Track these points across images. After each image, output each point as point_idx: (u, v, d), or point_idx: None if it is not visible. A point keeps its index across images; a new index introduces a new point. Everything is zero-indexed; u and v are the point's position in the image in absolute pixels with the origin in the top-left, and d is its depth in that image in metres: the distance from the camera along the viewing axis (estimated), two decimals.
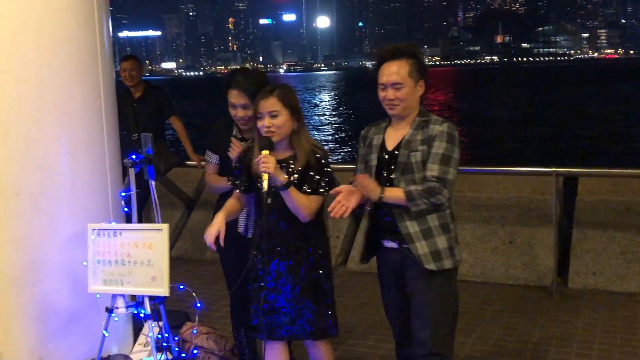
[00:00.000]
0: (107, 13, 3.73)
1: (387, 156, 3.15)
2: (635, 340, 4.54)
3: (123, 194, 3.14)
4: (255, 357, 4.03)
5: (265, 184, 3.11)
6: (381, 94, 3.12)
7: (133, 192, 3.14)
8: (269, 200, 3.21)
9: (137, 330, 3.94)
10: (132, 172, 3.10)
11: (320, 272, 3.36)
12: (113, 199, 3.67)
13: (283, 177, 3.16)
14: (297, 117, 3.29)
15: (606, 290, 5.51)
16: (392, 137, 3.18)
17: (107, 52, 3.68)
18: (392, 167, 3.11)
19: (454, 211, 3.20)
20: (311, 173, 3.26)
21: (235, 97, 3.55)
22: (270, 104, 3.23)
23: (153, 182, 3.15)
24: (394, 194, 3.01)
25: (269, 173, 3.11)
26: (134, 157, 3.09)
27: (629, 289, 5.46)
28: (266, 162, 3.10)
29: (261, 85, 3.53)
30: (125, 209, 3.16)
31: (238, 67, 3.73)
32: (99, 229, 3.12)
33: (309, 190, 3.23)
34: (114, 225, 3.13)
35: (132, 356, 3.71)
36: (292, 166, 3.27)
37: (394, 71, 3.08)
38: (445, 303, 3.12)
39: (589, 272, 5.64)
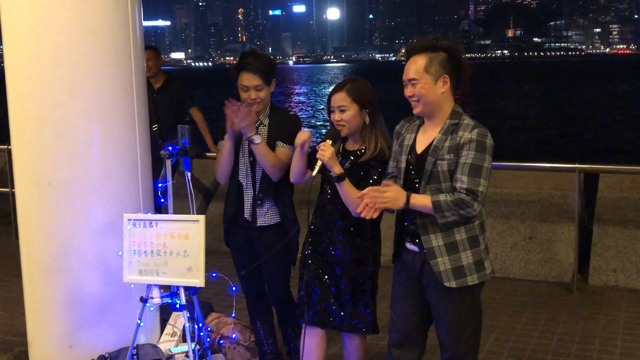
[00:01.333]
0: (140, 3, 3.74)
1: (415, 160, 3.02)
2: None
3: (160, 185, 3.15)
4: (274, 349, 4.06)
5: (316, 170, 3.19)
6: (404, 92, 3.00)
7: (169, 183, 3.16)
8: (329, 190, 3.31)
9: (163, 321, 3.97)
10: (168, 163, 3.12)
11: (368, 268, 3.41)
12: (144, 189, 3.69)
13: (338, 169, 3.19)
14: (370, 111, 3.31)
15: (627, 287, 5.51)
16: (422, 139, 3.03)
17: (139, 42, 3.69)
18: (419, 172, 2.98)
19: (484, 222, 3.05)
20: (372, 173, 3.29)
21: (247, 79, 3.55)
22: (339, 98, 3.29)
23: (189, 174, 3.16)
24: (421, 202, 2.87)
25: (323, 160, 3.16)
26: (170, 148, 3.11)
27: None
28: (323, 150, 3.16)
29: (272, 67, 3.61)
30: (162, 200, 3.18)
31: (246, 51, 3.75)
32: (134, 220, 3.14)
33: (363, 185, 3.23)
34: (150, 215, 3.15)
35: (159, 346, 3.74)
36: (354, 159, 3.31)
37: (410, 67, 2.94)
38: (466, 313, 3.01)
39: (609, 269, 5.64)
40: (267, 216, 3.67)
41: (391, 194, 2.87)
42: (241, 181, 3.66)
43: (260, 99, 3.56)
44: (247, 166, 3.64)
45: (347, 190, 3.21)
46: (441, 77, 2.91)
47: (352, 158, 3.33)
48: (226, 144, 3.59)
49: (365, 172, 3.29)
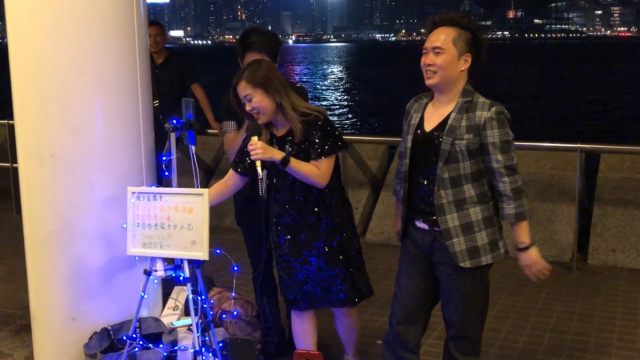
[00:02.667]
0: None
1: (423, 138, 2.99)
2: None
3: (164, 158, 3.15)
4: (279, 324, 4.09)
5: (259, 171, 3.13)
6: (422, 60, 2.95)
7: (174, 157, 3.16)
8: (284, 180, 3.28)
9: (165, 295, 3.99)
10: (173, 136, 3.11)
11: (344, 235, 3.39)
12: (147, 163, 3.69)
13: (278, 154, 3.14)
14: (275, 90, 3.21)
15: (626, 267, 5.54)
16: (432, 117, 3.00)
17: (142, 17, 3.67)
18: (432, 152, 2.94)
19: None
20: (313, 137, 3.23)
21: (255, 58, 3.53)
22: (242, 88, 3.21)
23: (193, 147, 3.16)
24: (521, 233, 2.96)
25: (261, 159, 3.12)
26: (174, 121, 3.10)
27: None
28: (255, 149, 3.10)
29: (277, 44, 3.64)
30: (166, 174, 3.18)
31: (249, 29, 3.75)
32: (139, 192, 3.14)
33: (316, 156, 3.22)
34: (154, 189, 3.15)
35: (161, 319, 3.76)
36: (291, 139, 3.26)
37: (439, 36, 2.90)
38: (475, 292, 3.04)
39: (608, 248, 5.67)
40: None
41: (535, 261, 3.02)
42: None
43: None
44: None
45: (298, 167, 3.18)
46: (464, 55, 2.91)
47: (290, 138, 3.28)
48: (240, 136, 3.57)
49: (310, 143, 3.24)
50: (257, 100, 3.19)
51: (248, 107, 3.23)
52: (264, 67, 3.24)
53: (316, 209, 3.33)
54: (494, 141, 2.88)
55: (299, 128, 3.21)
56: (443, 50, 2.89)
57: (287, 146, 3.26)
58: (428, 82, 2.95)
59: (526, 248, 2.98)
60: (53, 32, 3.42)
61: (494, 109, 2.90)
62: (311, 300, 3.44)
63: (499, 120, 2.89)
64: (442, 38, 2.90)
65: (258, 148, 3.10)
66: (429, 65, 2.91)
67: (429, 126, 2.99)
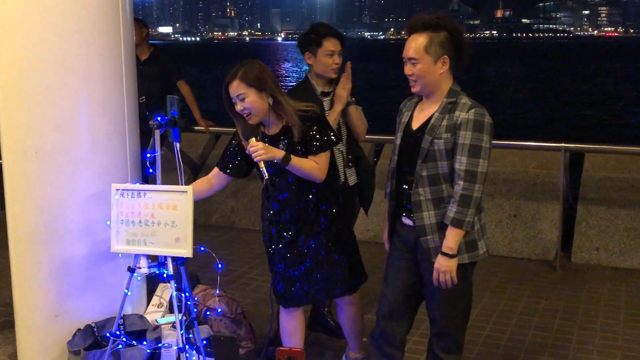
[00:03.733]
0: None
1: (409, 136, 3.04)
2: (638, 316, 4.61)
3: (148, 155, 3.15)
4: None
5: (265, 171, 3.13)
6: (404, 69, 2.99)
7: (158, 154, 3.16)
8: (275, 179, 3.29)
9: (149, 292, 3.99)
10: (157, 133, 3.11)
11: (341, 224, 3.44)
12: (131, 160, 3.69)
13: (279, 153, 3.15)
14: (269, 89, 3.21)
15: (609, 266, 5.59)
16: (419, 116, 3.04)
17: (128, 13, 3.66)
18: (416, 150, 2.96)
19: (481, 202, 2.99)
20: (311, 133, 3.26)
21: (335, 44, 3.87)
22: (235, 87, 3.19)
23: (178, 145, 3.16)
24: (451, 239, 2.89)
25: (263, 159, 3.11)
26: (159, 118, 3.10)
27: (632, 265, 5.54)
28: (256, 151, 3.10)
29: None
30: (150, 170, 3.18)
31: (319, 23, 4.07)
32: (122, 189, 3.14)
33: (315, 151, 3.25)
34: (138, 185, 3.15)
35: (146, 317, 3.76)
36: (288, 138, 3.27)
37: (411, 45, 2.90)
38: (456, 290, 3.00)
39: (592, 247, 5.71)
40: (354, 177, 4.05)
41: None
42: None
43: (337, 63, 3.87)
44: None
45: (299, 165, 3.20)
46: (441, 58, 2.90)
47: (283, 138, 3.29)
48: None
49: (309, 138, 3.26)
50: (250, 100, 3.19)
51: (239, 107, 3.21)
52: (257, 66, 3.24)
53: (315, 204, 3.36)
54: (464, 142, 2.85)
55: (299, 125, 3.23)
56: (417, 60, 2.90)
57: (280, 145, 3.27)
58: (412, 90, 3.01)
59: (448, 255, 2.92)
60: (38, 27, 3.40)
61: (473, 110, 2.88)
62: (309, 296, 3.45)
63: (475, 122, 2.86)
64: (413, 47, 2.90)
65: (260, 149, 3.10)
66: (409, 75, 2.95)
67: (415, 125, 3.03)
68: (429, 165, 2.93)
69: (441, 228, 2.94)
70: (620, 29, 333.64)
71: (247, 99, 3.18)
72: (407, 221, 3.08)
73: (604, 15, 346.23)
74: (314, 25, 4.01)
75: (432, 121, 2.94)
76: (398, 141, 3.08)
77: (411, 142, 3.00)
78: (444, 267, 2.92)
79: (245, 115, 3.22)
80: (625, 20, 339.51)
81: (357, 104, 3.98)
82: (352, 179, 4.07)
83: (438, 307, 3.08)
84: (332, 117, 3.83)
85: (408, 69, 2.94)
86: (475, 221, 2.97)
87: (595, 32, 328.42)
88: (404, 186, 3.05)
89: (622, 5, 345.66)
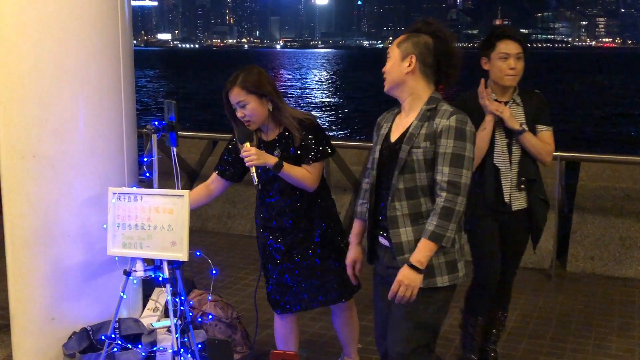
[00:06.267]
0: None
1: (387, 149, 2.83)
2: (632, 325, 4.63)
3: (145, 159, 3.17)
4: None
5: (255, 177, 3.14)
6: None
7: (155, 158, 3.17)
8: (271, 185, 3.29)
9: (145, 297, 4.00)
10: (154, 138, 3.13)
11: (334, 231, 3.45)
12: (129, 164, 3.70)
13: (272, 160, 3.17)
14: (269, 96, 3.22)
15: (604, 275, 5.60)
16: (398, 127, 2.84)
17: (127, 17, 3.68)
18: (395, 163, 2.76)
19: (462, 218, 2.74)
20: (307, 142, 3.27)
21: (510, 46, 3.50)
22: (235, 94, 3.20)
23: (175, 149, 3.18)
24: (424, 252, 2.64)
25: (255, 165, 3.13)
26: (156, 123, 3.12)
27: (627, 274, 5.56)
28: (249, 156, 3.11)
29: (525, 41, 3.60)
30: (147, 174, 3.19)
31: (499, 25, 3.78)
32: (119, 193, 3.15)
33: (309, 160, 3.26)
34: (134, 189, 3.16)
35: (141, 320, 3.76)
36: (284, 145, 3.28)
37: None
38: (425, 319, 2.77)
39: (587, 256, 5.73)
40: (521, 200, 3.61)
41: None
42: (497, 164, 3.54)
43: (519, 69, 3.50)
44: (504, 148, 3.55)
45: (290, 172, 3.20)
46: (408, 56, 2.73)
47: (279, 145, 3.30)
48: None
49: (305, 146, 3.26)
50: (251, 107, 3.20)
51: (240, 114, 3.22)
52: (255, 71, 3.24)
53: (308, 212, 3.37)
54: (445, 151, 2.65)
55: (298, 133, 3.24)
56: (388, 55, 2.81)
57: (275, 151, 3.28)
58: (384, 89, 2.85)
59: (415, 269, 2.66)
60: (37, 31, 3.42)
61: (454, 117, 2.68)
62: (304, 302, 3.46)
63: (457, 130, 2.66)
64: (390, 45, 2.82)
65: (252, 154, 3.11)
66: (383, 72, 2.83)
67: (394, 136, 2.83)
68: (406, 177, 2.71)
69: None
70: (618, 40, 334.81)
71: (248, 105, 3.20)
72: (383, 241, 2.86)
73: (602, 26, 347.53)
74: (494, 27, 3.75)
75: (410, 129, 2.74)
76: (376, 155, 2.86)
77: (390, 155, 2.80)
78: (408, 281, 2.65)
79: (245, 122, 3.25)
80: (624, 31, 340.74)
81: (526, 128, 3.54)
82: (518, 204, 3.60)
83: (401, 339, 2.77)
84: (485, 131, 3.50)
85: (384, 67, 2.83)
86: (456, 239, 2.73)
87: (594, 42, 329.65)
88: (382, 204, 2.83)
89: (619, 17, 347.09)
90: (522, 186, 3.58)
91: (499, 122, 3.53)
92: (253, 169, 3.14)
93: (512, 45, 3.49)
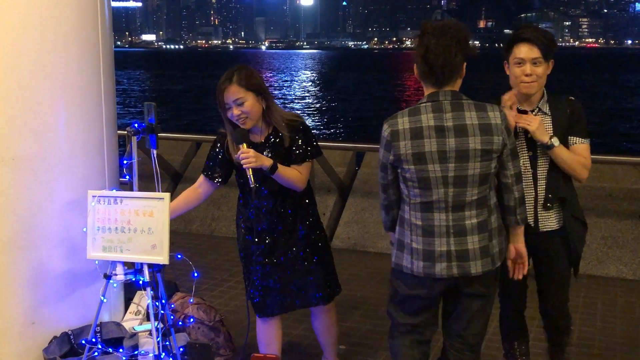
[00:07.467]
0: None
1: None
2: (615, 323, 4.66)
3: (125, 162, 3.15)
4: None
5: (252, 179, 3.13)
6: None
7: (134, 160, 3.15)
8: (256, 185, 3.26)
9: (128, 300, 3.97)
10: (134, 140, 3.11)
11: (317, 233, 3.45)
12: (109, 166, 3.68)
13: (268, 162, 3.16)
14: (264, 95, 3.23)
15: (586, 274, 5.63)
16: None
17: (107, 19, 3.66)
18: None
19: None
20: (297, 143, 3.28)
21: (526, 51, 3.12)
22: (233, 92, 3.17)
23: (155, 151, 3.16)
24: (520, 237, 3.04)
25: (253, 167, 3.12)
26: (136, 125, 3.10)
27: (609, 273, 5.59)
28: (247, 157, 3.09)
29: (553, 43, 3.21)
30: (127, 177, 3.17)
31: (523, 24, 3.57)
32: (99, 196, 3.13)
33: (299, 161, 3.27)
34: (114, 192, 3.14)
35: (123, 324, 3.74)
36: (272, 147, 3.27)
37: None
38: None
39: None
40: (551, 220, 3.25)
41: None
42: None
43: (537, 75, 3.11)
44: (526, 162, 3.18)
45: (283, 174, 3.21)
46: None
47: (268, 145, 3.29)
48: None
49: (294, 147, 3.27)
50: (249, 104, 3.18)
51: (237, 112, 3.18)
52: (250, 70, 3.25)
53: (292, 213, 3.37)
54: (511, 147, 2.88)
55: (288, 135, 3.25)
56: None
57: (265, 152, 3.27)
58: None
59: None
60: (16, 33, 3.39)
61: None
62: (285, 305, 3.45)
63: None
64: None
65: (251, 156, 3.09)
66: None
67: None
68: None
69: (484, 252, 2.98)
70: (601, 40, 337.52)
71: (246, 102, 3.18)
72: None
73: (585, 26, 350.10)
74: (517, 26, 3.36)
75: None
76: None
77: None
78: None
79: (240, 121, 3.21)
80: (607, 31, 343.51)
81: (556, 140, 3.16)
82: (547, 225, 3.25)
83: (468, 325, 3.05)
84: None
85: None
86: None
87: (577, 43, 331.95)
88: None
89: (602, 17, 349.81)
90: (549, 204, 3.21)
91: (521, 133, 3.19)
92: (250, 171, 3.13)
93: (527, 49, 3.11)
